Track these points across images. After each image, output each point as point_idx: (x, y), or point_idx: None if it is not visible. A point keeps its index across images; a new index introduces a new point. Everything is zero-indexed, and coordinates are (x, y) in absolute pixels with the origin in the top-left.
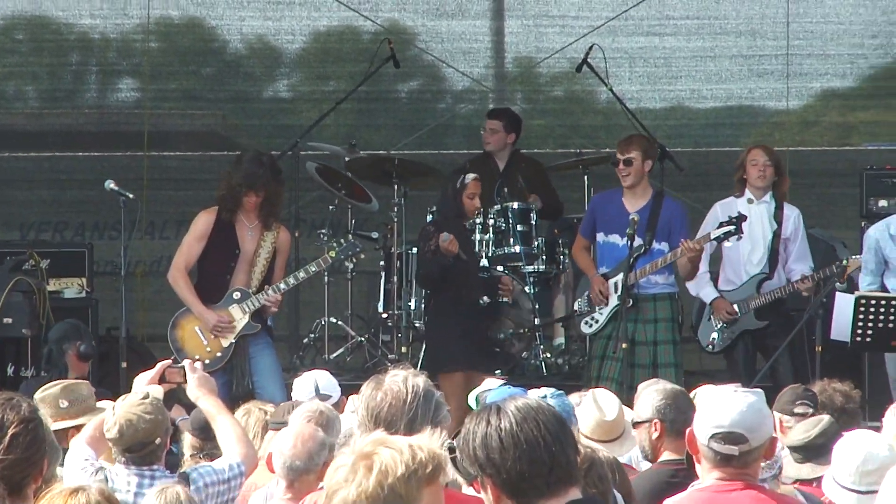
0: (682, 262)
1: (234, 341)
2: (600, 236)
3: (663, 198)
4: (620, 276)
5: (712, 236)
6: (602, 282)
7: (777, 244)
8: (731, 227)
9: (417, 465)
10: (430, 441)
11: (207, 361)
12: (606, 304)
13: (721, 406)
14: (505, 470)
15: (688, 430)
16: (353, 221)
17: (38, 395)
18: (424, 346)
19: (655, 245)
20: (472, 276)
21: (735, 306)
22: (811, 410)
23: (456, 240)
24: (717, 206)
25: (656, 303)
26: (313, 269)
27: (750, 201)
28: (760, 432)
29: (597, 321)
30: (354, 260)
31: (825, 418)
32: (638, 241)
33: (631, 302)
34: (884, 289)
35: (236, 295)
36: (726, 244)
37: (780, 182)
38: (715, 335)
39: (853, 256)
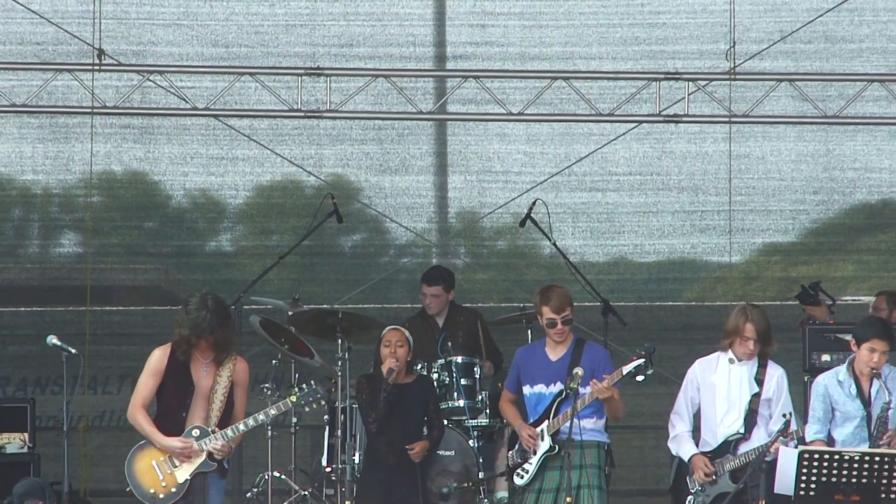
0: (607, 405)
1: (189, 478)
2: (526, 388)
3: (585, 343)
4: (545, 424)
5: (624, 371)
6: (530, 428)
7: (756, 405)
8: (641, 361)
9: None
10: None
11: (162, 496)
12: (535, 453)
13: None
14: None
15: None
16: (297, 375)
17: None
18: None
19: (579, 390)
20: (389, 433)
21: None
22: None
23: None
24: (696, 364)
25: (583, 450)
26: (273, 413)
27: (731, 361)
28: None
29: (527, 471)
30: (315, 405)
31: None
32: (559, 387)
33: (556, 448)
34: (830, 439)
35: (195, 433)
36: (638, 378)
37: (765, 345)
38: (691, 498)
39: (791, 413)
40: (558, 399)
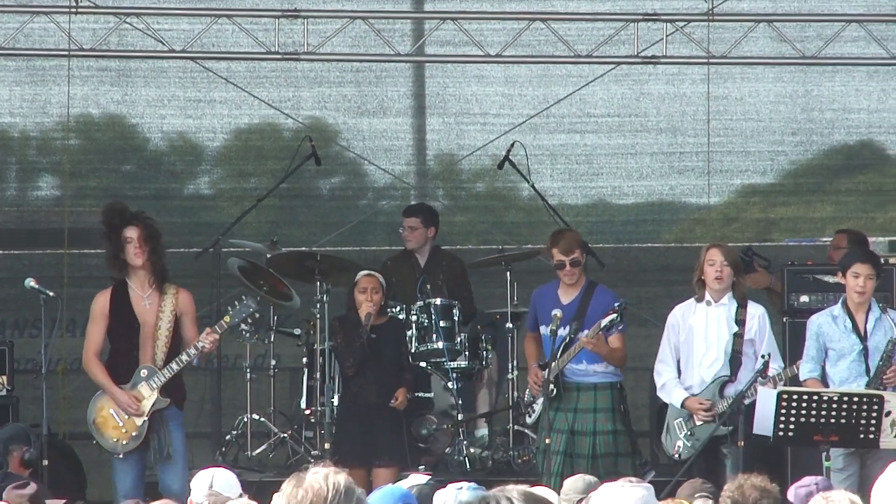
0: (596, 352)
1: (146, 419)
2: (542, 328)
3: (596, 287)
4: (553, 365)
5: (602, 325)
6: (536, 372)
7: (739, 346)
8: (614, 316)
9: None
10: None
11: (125, 442)
12: (540, 395)
13: (610, 500)
14: None
15: None
16: (276, 317)
17: None
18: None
19: (582, 334)
20: (366, 377)
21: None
22: (710, 502)
23: None
24: (676, 308)
25: (596, 392)
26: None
27: (708, 303)
28: None
29: (535, 410)
30: (250, 321)
31: None
32: (567, 330)
33: (553, 392)
34: (824, 376)
35: (143, 373)
36: (613, 332)
37: (739, 281)
38: (681, 443)
39: (770, 354)
40: (564, 342)
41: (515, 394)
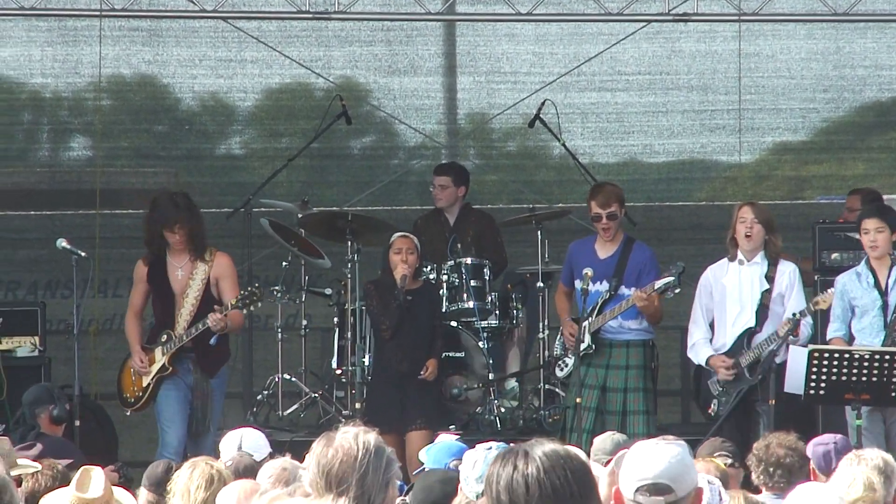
0: (644, 313)
1: (151, 382)
2: (577, 283)
3: (633, 243)
4: (586, 323)
5: (656, 286)
6: (571, 325)
7: (767, 300)
8: (671, 279)
9: None
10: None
11: (132, 400)
12: (575, 349)
13: (645, 458)
14: None
15: (614, 488)
16: (307, 278)
17: None
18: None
19: (624, 290)
20: (401, 340)
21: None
22: (730, 461)
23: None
24: (707, 270)
25: (629, 349)
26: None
27: (741, 262)
28: (685, 482)
29: (567, 364)
30: (253, 307)
31: None
32: (605, 286)
33: (593, 349)
34: (851, 335)
35: (163, 338)
36: (668, 295)
37: (771, 240)
38: (715, 402)
39: (801, 312)
40: (603, 298)
41: (546, 353)
